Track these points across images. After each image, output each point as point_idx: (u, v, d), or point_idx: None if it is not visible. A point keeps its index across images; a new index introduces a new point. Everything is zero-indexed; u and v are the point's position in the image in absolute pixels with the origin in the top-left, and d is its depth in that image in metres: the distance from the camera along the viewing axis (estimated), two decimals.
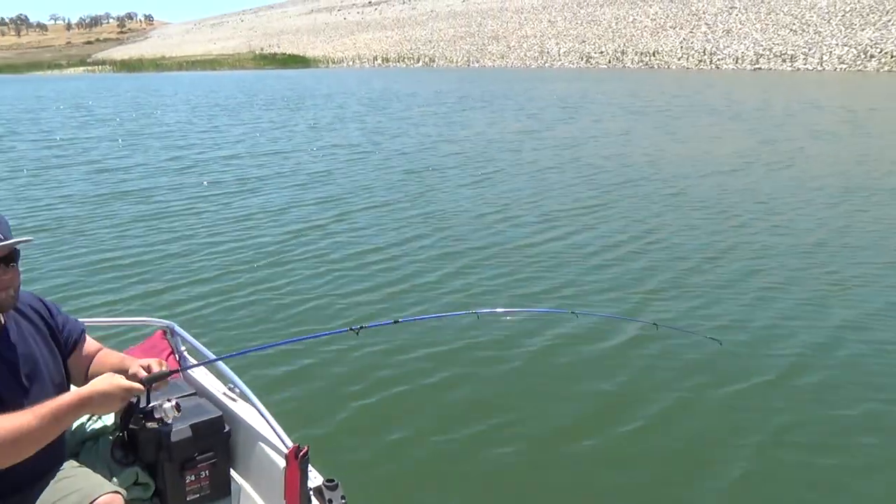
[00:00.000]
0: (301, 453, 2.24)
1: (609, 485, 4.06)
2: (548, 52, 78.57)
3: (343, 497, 2.25)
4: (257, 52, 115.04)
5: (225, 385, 2.81)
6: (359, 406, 4.94)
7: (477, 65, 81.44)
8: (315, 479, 2.32)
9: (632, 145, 17.74)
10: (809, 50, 59.06)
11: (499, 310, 6.78)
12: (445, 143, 18.68)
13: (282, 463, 2.36)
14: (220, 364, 2.71)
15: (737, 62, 61.61)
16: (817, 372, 5.31)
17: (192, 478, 2.47)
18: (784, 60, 58.96)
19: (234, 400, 2.74)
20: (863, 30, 59.81)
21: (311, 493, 2.26)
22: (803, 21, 66.00)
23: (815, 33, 62.47)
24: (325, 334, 3.60)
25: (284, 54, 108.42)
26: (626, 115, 25.38)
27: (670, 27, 75.36)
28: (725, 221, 9.96)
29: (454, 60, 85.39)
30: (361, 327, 2.61)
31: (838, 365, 5.45)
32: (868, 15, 62.48)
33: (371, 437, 4.55)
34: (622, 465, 4.23)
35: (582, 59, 73.68)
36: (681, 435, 4.57)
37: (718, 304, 6.78)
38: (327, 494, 2.26)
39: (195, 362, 2.93)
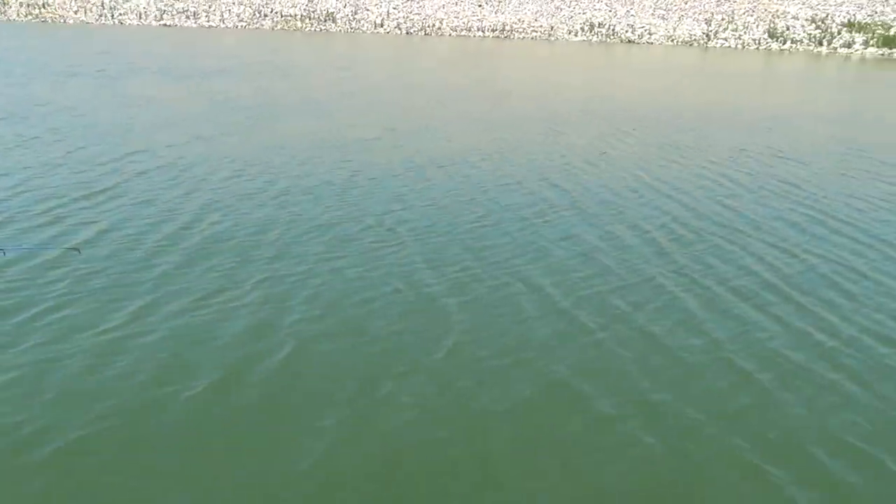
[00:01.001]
0: None
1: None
2: None
3: None
4: None
5: None
6: None
7: None
8: None
9: (78, 110, 15.46)
10: (210, 7, 61.02)
11: None
12: None
13: None
14: None
15: (141, 18, 59.52)
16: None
17: None
18: (188, 17, 59.61)
19: None
20: None
21: None
22: None
23: None
24: None
25: None
26: (56, 78, 21.93)
27: None
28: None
29: None
30: None
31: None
32: None
33: None
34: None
35: None
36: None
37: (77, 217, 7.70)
38: None
39: None
